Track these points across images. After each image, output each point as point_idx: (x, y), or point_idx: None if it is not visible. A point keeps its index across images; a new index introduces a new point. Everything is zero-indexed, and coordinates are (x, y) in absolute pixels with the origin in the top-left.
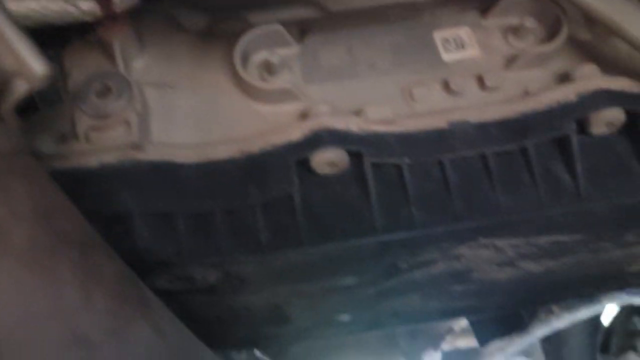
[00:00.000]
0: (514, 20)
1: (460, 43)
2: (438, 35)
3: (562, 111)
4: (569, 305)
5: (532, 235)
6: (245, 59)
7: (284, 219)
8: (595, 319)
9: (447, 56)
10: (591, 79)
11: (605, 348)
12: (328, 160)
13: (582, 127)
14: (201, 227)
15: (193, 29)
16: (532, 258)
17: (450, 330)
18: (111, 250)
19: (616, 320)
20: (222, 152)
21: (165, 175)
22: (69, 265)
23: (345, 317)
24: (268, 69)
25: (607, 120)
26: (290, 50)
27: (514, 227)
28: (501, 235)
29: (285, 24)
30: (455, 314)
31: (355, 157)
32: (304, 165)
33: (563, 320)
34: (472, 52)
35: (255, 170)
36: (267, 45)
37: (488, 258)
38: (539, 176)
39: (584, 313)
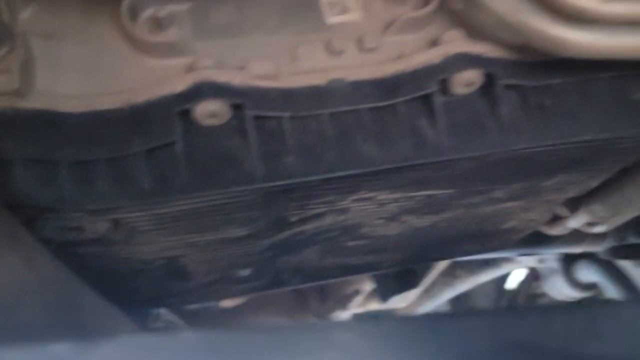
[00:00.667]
0: None
1: (344, 7)
2: (324, 0)
3: (427, 72)
4: (471, 268)
5: (409, 189)
6: (134, 12)
7: (166, 167)
8: (500, 284)
9: (331, 19)
10: (455, 43)
11: None
12: (210, 111)
13: (445, 87)
14: (84, 175)
15: None
16: (414, 212)
17: (358, 292)
18: None
19: (519, 285)
20: (108, 102)
21: (48, 123)
22: None
23: (245, 272)
24: (157, 23)
25: (466, 80)
26: (180, 6)
27: (388, 179)
28: (380, 188)
29: None
30: (354, 270)
31: (237, 109)
32: (188, 116)
33: (467, 282)
34: (354, 15)
35: (138, 120)
36: (156, 1)
37: (373, 212)
38: (406, 131)
39: (485, 276)
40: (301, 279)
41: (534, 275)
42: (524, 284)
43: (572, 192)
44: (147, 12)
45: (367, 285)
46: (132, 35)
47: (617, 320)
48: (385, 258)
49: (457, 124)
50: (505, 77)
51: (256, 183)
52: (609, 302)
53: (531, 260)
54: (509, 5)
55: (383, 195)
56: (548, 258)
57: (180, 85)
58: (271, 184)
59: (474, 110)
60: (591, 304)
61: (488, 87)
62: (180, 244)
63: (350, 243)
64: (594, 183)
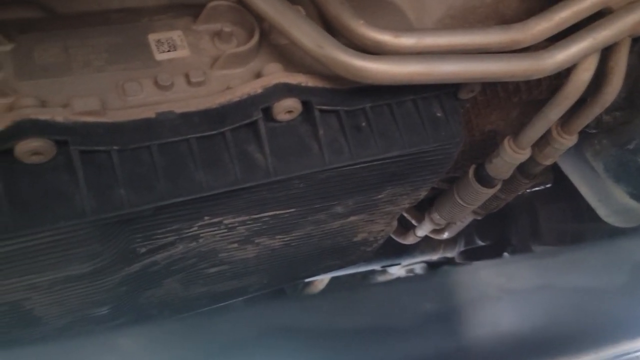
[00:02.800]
0: (218, 26)
1: (172, 45)
2: (152, 38)
3: (250, 101)
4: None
5: (252, 211)
6: None
7: None
8: None
9: (159, 56)
10: (275, 75)
11: None
12: (32, 148)
13: (269, 114)
14: None
15: None
16: (264, 234)
17: None
18: None
19: None
20: None
21: None
22: None
23: (103, 310)
24: None
25: (286, 108)
26: (2, 48)
27: (226, 203)
28: (223, 213)
29: (4, 24)
30: (222, 297)
31: (62, 145)
32: (10, 155)
33: None
34: (182, 52)
35: None
36: None
37: (224, 236)
38: (235, 156)
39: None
40: (170, 312)
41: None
42: None
43: (406, 203)
44: None
45: None
46: None
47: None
48: (252, 282)
49: (283, 147)
50: (322, 103)
51: (86, 216)
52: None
53: (401, 272)
54: (316, 42)
55: (228, 220)
56: (415, 268)
57: (1, 123)
58: (102, 215)
59: (297, 134)
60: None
61: (307, 113)
62: (20, 286)
63: (211, 270)
64: (422, 193)
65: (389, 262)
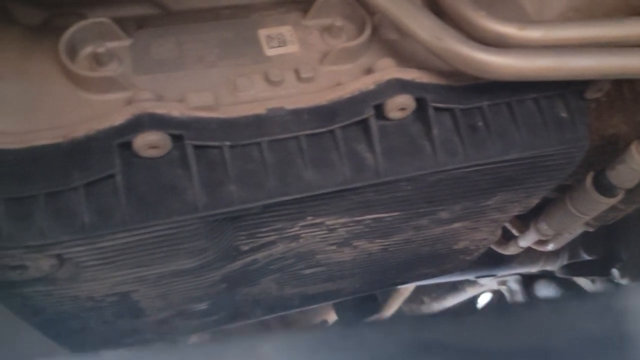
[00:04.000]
0: (328, 21)
1: (282, 40)
2: (263, 33)
3: (362, 98)
4: (437, 294)
5: (355, 213)
6: (73, 50)
7: (106, 200)
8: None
9: (269, 51)
10: (387, 70)
11: None
12: (150, 142)
13: (381, 112)
14: (22, 211)
15: (28, 24)
16: (364, 237)
17: (326, 322)
18: None
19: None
20: (46, 138)
21: None
22: None
23: (202, 306)
24: (96, 59)
25: (399, 105)
26: (120, 43)
27: (331, 203)
28: (326, 213)
29: (121, 19)
30: (314, 299)
31: (178, 140)
32: (128, 149)
33: (432, 308)
34: (292, 48)
35: (77, 154)
36: (95, 38)
37: (323, 238)
38: (345, 155)
39: (451, 300)
40: (262, 311)
41: (498, 299)
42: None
43: (515, 211)
44: (87, 49)
45: (334, 315)
46: (70, 72)
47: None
48: (344, 285)
49: (394, 146)
50: (437, 101)
51: (198, 212)
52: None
53: (493, 284)
54: (435, 34)
55: (330, 221)
56: (509, 280)
57: (119, 118)
58: (213, 212)
59: (409, 133)
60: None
61: (421, 111)
62: (130, 278)
63: (307, 271)
64: (534, 201)
65: (484, 273)
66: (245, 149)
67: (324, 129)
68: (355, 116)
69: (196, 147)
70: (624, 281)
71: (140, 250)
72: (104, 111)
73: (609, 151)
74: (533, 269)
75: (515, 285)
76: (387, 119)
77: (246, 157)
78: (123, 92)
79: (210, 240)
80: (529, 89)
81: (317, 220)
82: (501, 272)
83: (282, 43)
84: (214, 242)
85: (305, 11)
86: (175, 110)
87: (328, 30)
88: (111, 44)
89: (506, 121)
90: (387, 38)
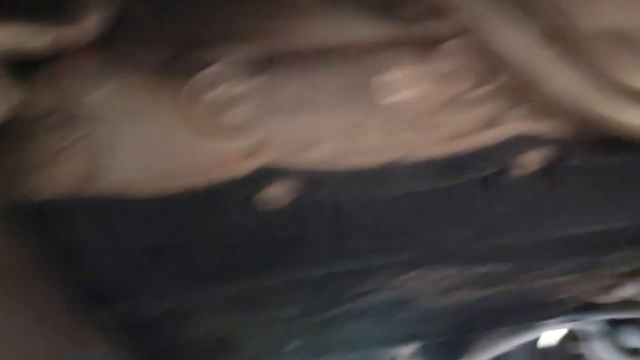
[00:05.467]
0: (448, 66)
1: (399, 86)
2: (380, 78)
3: (487, 153)
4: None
5: (467, 264)
6: (196, 94)
7: (231, 252)
8: (533, 344)
9: (387, 98)
10: (515, 123)
11: None
12: (275, 195)
13: (506, 168)
14: (155, 261)
15: (149, 64)
16: (468, 286)
17: (394, 358)
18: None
19: (556, 345)
20: (172, 186)
21: (116, 209)
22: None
23: (292, 346)
24: (220, 105)
25: (527, 162)
26: (242, 88)
27: (446, 257)
28: (440, 265)
29: (240, 60)
30: (401, 340)
31: (306, 191)
32: (251, 200)
33: (509, 344)
34: (410, 94)
35: (203, 204)
36: (220, 81)
37: (429, 287)
38: (466, 212)
39: (528, 336)
40: (347, 349)
41: (571, 336)
42: (561, 344)
43: (627, 268)
44: (211, 94)
45: (403, 351)
46: (193, 118)
47: None
48: (432, 329)
49: (517, 204)
50: (566, 157)
51: (324, 267)
52: None
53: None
54: (574, 89)
55: (440, 272)
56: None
57: (243, 169)
58: (337, 268)
59: (534, 190)
60: None
61: (549, 167)
62: (232, 324)
63: (401, 315)
64: None
65: (573, 318)
66: (363, 204)
67: (445, 184)
68: (480, 172)
69: (316, 201)
70: None
71: (250, 299)
72: (228, 158)
73: None
74: (622, 316)
75: (594, 326)
76: (513, 175)
77: (366, 212)
78: (246, 139)
79: (320, 289)
80: None
81: (428, 271)
82: (590, 318)
83: (400, 90)
84: (322, 291)
85: (423, 54)
86: (299, 161)
87: (448, 76)
88: (235, 88)
89: (636, 180)
90: (511, 83)
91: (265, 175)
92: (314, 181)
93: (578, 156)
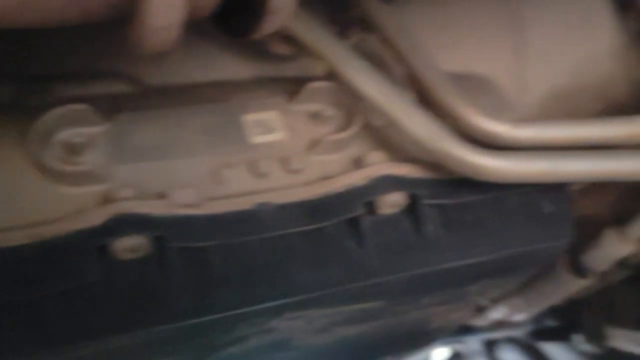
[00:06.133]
0: (316, 107)
1: (268, 127)
2: (247, 118)
3: (353, 194)
4: (400, 355)
5: (339, 305)
6: (46, 138)
7: (81, 308)
8: None
9: (255, 139)
10: (379, 166)
11: None
12: (130, 246)
13: (372, 208)
14: None
15: None
16: (343, 324)
17: None
18: None
19: None
20: (17, 237)
21: None
22: None
23: None
24: (71, 149)
25: (392, 203)
26: (97, 129)
27: (319, 301)
28: (310, 308)
29: (96, 99)
30: None
31: (160, 241)
32: (106, 251)
33: None
34: (278, 135)
35: (51, 257)
36: (71, 124)
37: (302, 327)
38: (336, 254)
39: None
40: None
41: (455, 355)
42: None
43: (495, 293)
44: (61, 137)
45: None
46: (42, 163)
47: None
48: None
49: (384, 244)
50: (428, 196)
51: (182, 320)
52: None
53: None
54: (430, 134)
55: (313, 313)
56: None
57: (97, 218)
58: (198, 320)
59: (399, 229)
60: None
61: (412, 206)
62: None
63: (278, 355)
64: (514, 285)
65: (451, 340)
66: (233, 249)
67: (314, 226)
68: (347, 213)
69: (180, 248)
70: (585, 347)
71: (110, 354)
72: (80, 206)
73: (580, 231)
74: (498, 335)
75: (476, 345)
76: (377, 214)
77: (234, 258)
78: (99, 185)
79: (186, 341)
80: (515, 184)
81: (298, 314)
82: (467, 338)
83: (268, 130)
84: (189, 343)
85: (289, 93)
86: (157, 209)
87: (315, 117)
88: (87, 130)
89: (494, 216)
90: (374, 124)
91: (122, 224)
92: (178, 228)
93: (438, 195)
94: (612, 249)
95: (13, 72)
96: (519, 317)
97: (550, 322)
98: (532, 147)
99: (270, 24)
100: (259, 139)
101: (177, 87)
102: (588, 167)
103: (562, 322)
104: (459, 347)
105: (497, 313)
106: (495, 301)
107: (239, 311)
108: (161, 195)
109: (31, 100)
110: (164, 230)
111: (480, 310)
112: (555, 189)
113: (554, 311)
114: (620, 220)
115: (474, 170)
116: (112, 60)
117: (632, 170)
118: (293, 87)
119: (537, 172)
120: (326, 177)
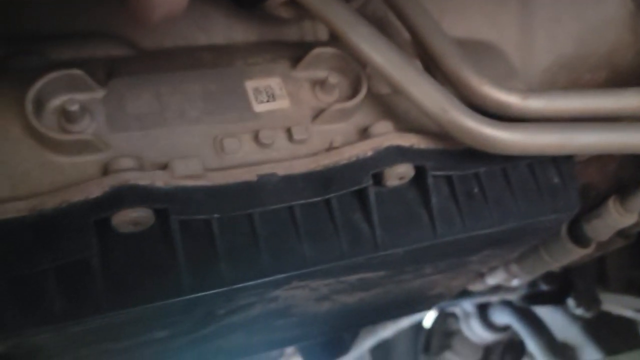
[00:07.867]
0: (320, 74)
1: (271, 94)
2: (250, 85)
3: (359, 166)
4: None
5: (342, 275)
6: (40, 105)
7: (81, 284)
8: (417, 324)
9: (258, 107)
10: (386, 136)
11: (426, 348)
12: (131, 219)
13: (378, 180)
14: None
15: None
16: (345, 292)
17: (282, 354)
18: None
19: (435, 322)
20: (11, 210)
21: None
22: None
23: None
24: (66, 116)
25: (399, 174)
26: (93, 95)
27: (324, 273)
28: (313, 278)
29: (90, 64)
30: (280, 344)
31: (161, 213)
32: (105, 223)
33: (388, 329)
34: (282, 103)
35: (47, 231)
36: (65, 90)
37: (304, 296)
38: (341, 226)
39: (406, 322)
40: (225, 357)
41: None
42: (439, 321)
43: (496, 262)
44: (55, 104)
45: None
46: (37, 131)
47: None
48: (313, 330)
49: (390, 216)
50: (435, 168)
51: (184, 294)
52: None
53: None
54: (440, 105)
55: (314, 283)
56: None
57: (95, 190)
58: (201, 294)
59: (406, 201)
60: None
61: (419, 178)
62: (93, 353)
63: (279, 322)
64: (516, 254)
65: (447, 304)
66: (236, 221)
67: (319, 198)
68: (353, 185)
69: (183, 221)
70: (578, 311)
71: (112, 329)
72: (77, 177)
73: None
74: (492, 299)
75: (469, 307)
76: (384, 186)
77: (236, 231)
78: (98, 154)
79: (188, 313)
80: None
81: (301, 284)
82: (462, 302)
83: (272, 97)
84: (191, 315)
85: (294, 60)
86: (159, 181)
87: (320, 84)
88: (82, 96)
89: (502, 188)
90: (379, 92)
91: (122, 196)
92: (180, 200)
93: (446, 167)
94: (615, 220)
95: (2, 32)
96: (515, 282)
97: (543, 287)
98: (541, 118)
99: None
100: (261, 107)
101: (175, 51)
102: (599, 140)
103: (556, 287)
104: (453, 309)
105: (493, 279)
106: (494, 268)
107: (243, 285)
108: (162, 166)
109: (22, 62)
110: (165, 203)
111: (481, 276)
112: (563, 160)
113: (547, 276)
114: (621, 189)
115: (483, 143)
116: (106, 21)
117: None
118: (296, 52)
119: (548, 145)
120: (331, 148)
